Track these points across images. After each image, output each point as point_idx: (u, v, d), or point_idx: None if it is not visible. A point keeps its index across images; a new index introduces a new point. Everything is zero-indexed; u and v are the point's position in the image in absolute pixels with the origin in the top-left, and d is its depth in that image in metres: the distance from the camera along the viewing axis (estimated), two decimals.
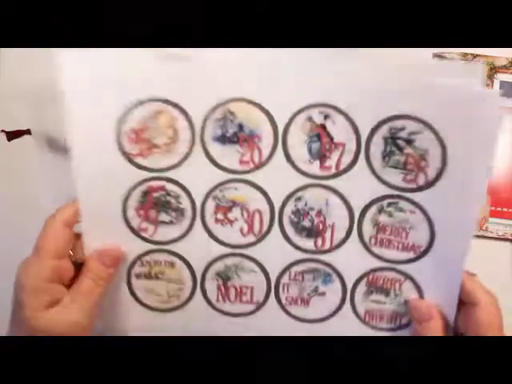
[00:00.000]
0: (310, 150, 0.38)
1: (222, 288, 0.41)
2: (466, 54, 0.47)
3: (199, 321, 0.42)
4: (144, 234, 0.40)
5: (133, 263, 0.41)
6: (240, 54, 0.37)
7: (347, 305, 0.41)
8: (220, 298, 0.42)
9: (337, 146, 0.38)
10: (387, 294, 0.41)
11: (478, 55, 0.47)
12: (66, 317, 0.37)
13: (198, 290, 0.42)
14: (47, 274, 0.36)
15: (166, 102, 0.37)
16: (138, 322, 0.42)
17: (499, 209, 0.47)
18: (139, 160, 0.38)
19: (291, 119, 0.38)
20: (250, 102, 0.37)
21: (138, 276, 0.41)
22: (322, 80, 0.37)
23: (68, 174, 0.47)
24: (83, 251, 0.39)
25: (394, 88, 0.37)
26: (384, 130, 0.37)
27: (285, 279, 0.41)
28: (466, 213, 0.37)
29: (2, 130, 0.48)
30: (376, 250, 0.40)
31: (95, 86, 0.37)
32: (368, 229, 0.39)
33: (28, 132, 0.47)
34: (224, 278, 0.41)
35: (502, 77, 0.47)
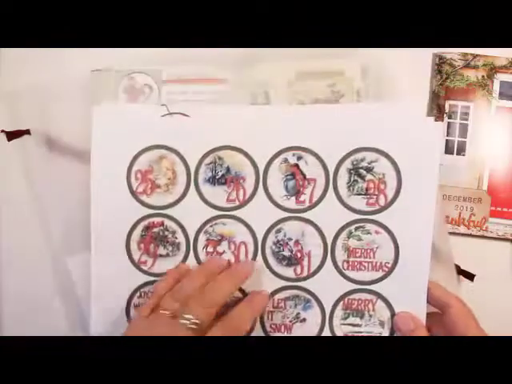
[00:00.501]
0: (286, 187, 0.44)
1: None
2: (466, 54, 0.47)
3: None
4: (143, 267, 0.45)
5: (132, 294, 0.45)
6: (227, 112, 0.44)
7: (327, 330, 0.44)
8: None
9: (309, 182, 0.44)
10: (362, 316, 0.44)
11: (477, 55, 0.47)
12: None
13: None
14: None
15: (168, 148, 0.44)
16: None
17: (499, 209, 0.47)
18: (143, 198, 0.44)
19: (269, 162, 0.44)
20: (235, 148, 0.44)
21: (137, 306, 0.45)
22: (294, 127, 0.43)
23: (69, 174, 0.47)
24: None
25: (353, 126, 0.43)
26: (347, 163, 0.43)
27: (269, 307, 0.44)
28: (423, 224, 0.42)
29: (2, 130, 0.48)
30: (349, 273, 0.44)
31: (115, 134, 0.44)
32: (340, 254, 0.44)
33: (28, 132, 0.47)
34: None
35: (501, 77, 0.47)
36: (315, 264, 0.44)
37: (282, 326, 0.45)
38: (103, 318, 0.45)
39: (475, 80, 0.47)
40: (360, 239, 0.43)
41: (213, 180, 0.44)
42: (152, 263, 0.45)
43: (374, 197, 0.43)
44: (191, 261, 0.45)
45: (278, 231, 0.44)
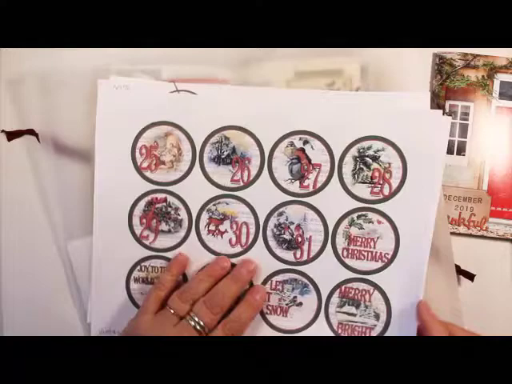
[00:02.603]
0: (291, 170, 0.44)
1: None
2: (466, 54, 0.47)
3: None
4: (145, 241, 0.45)
5: (132, 268, 0.45)
6: (236, 92, 0.44)
7: (322, 316, 0.45)
8: None
9: (314, 167, 0.43)
10: (358, 305, 0.44)
11: (478, 55, 0.47)
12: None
13: None
14: None
15: (174, 125, 0.44)
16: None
17: (499, 209, 0.47)
18: (147, 173, 0.45)
19: (275, 144, 0.44)
20: (242, 129, 0.44)
21: (136, 280, 0.46)
22: (302, 111, 0.43)
23: (72, 174, 0.47)
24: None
25: (362, 114, 0.43)
26: (354, 151, 0.43)
27: (267, 289, 0.45)
28: (425, 217, 0.42)
29: (2, 130, 0.48)
30: (348, 261, 0.44)
31: (121, 109, 0.44)
32: (341, 241, 0.44)
33: (28, 132, 0.47)
34: None
35: (501, 77, 0.47)
36: (315, 249, 0.44)
37: (278, 309, 0.45)
38: (103, 291, 0.45)
39: (475, 80, 0.47)
40: (361, 228, 0.43)
41: (218, 159, 0.44)
42: (154, 238, 0.45)
43: (379, 186, 0.43)
44: (193, 238, 0.45)
45: (280, 214, 0.44)
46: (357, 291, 0.44)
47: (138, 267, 0.45)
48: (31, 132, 0.47)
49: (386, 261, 0.43)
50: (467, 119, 0.47)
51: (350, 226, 0.43)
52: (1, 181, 0.48)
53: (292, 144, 0.43)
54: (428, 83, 0.48)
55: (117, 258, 0.45)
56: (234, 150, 0.44)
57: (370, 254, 0.44)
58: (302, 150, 0.43)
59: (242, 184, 0.44)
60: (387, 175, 0.43)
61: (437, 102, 0.47)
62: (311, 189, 0.43)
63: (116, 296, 0.46)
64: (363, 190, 0.43)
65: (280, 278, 0.44)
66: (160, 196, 0.45)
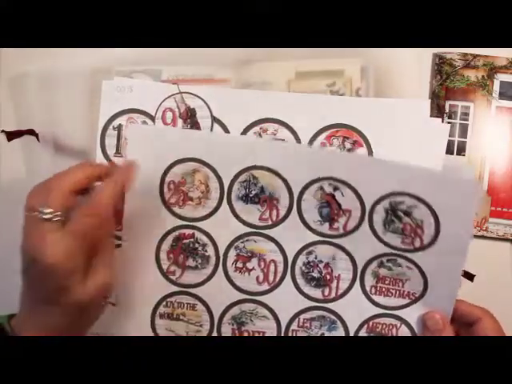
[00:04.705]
0: (320, 213, 0.43)
1: (236, 332, 0.45)
2: (465, 54, 0.47)
3: None
4: (171, 277, 0.45)
5: (158, 303, 0.45)
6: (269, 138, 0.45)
7: None
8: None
9: (344, 212, 0.43)
10: None
11: (477, 55, 0.47)
12: (99, 282, 0.37)
13: (215, 333, 0.45)
14: (83, 253, 0.37)
15: (203, 163, 0.44)
16: None
17: (499, 209, 0.47)
18: (175, 209, 0.44)
19: (305, 187, 0.43)
20: (271, 170, 0.43)
21: (162, 316, 0.45)
22: (333, 157, 0.43)
23: None
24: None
25: (394, 170, 0.42)
26: (385, 203, 0.42)
27: (294, 326, 0.45)
28: (454, 265, 0.42)
29: (2, 130, 0.48)
30: (375, 298, 0.44)
31: (149, 145, 0.44)
32: (369, 279, 0.44)
33: (28, 132, 0.47)
34: (238, 322, 0.45)
35: (501, 77, 0.47)
36: (343, 287, 0.44)
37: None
38: (128, 327, 0.45)
39: (475, 80, 0.47)
40: (390, 269, 0.43)
41: (246, 198, 0.44)
42: (180, 274, 0.45)
43: (410, 238, 0.43)
44: (220, 275, 0.45)
45: (309, 253, 0.44)
46: (384, 326, 0.44)
47: (164, 303, 0.45)
48: (31, 132, 0.47)
49: (414, 298, 0.44)
50: (467, 119, 0.47)
51: (379, 267, 0.43)
52: (1, 181, 0.48)
53: (322, 188, 0.43)
54: (428, 83, 0.48)
55: (143, 293, 0.45)
56: (262, 189, 0.44)
57: (398, 292, 0.44)
58: (332, 195, 0.43)
59: (270, 223, 0.44)
60: (419, 231, 0.42)
61: (437, 103, 0.47)
62: (341, 231, 0.43)
63: (141, 332, 0.45)
64: (394, 239, 0.43)
65: (308, 315, 0.45)
66: (188, 232, 0.45)
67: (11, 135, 0.48)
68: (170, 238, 0.45)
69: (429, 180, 0.42)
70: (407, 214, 0.42)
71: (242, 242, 0.44)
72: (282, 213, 0.44)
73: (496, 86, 0.47)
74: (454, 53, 0.47)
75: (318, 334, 0.45)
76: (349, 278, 0.44)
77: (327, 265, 0.44)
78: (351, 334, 0.44)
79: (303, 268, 0.44)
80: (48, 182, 0.38)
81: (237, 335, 0.45)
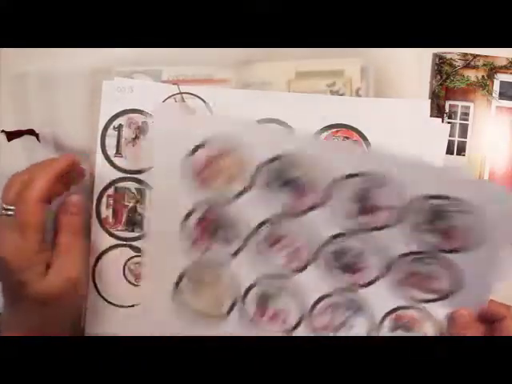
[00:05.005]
0: (357, 206, 0.42)
1: (259, 313, 0.44)
2: (465, 54, 0.47)
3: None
4: (196, 251, 0.43)
5: (180, 277, 0.44)
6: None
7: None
8: (258, 315, 0.44)
9: (382, 207, 0.42)
10: (409, 331, 0.44)
11: (477, 55, 0.47)
12: (62, 277, 0.39)
13: (236, 311, 0.44)
14: (36, 247, 0.38)
15: (237, 142, 0.42)
16: (179, 325, 0.44)
17: None
18: (204, 187, 0.42)
19: (343, 178, 0.41)
20: (311, 157, 0.41)
21: (189, 280, 0.44)
22: (376, 155, 0.43)
23: None
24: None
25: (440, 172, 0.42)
26: (427, 203, 0.41)
27: (318, 309, 0.44)
28: (491, 273, 0.42)
29: (2, 130, 0.48)
30: (405, 289, 0.43)
31: (180, 123, 0.42)
32: (401, 270, 0.43)
33: (28, 132, 0.47)
34: (263, 301, 0.44)
35: (501, 77, 0.47)
36: (373, 275, 0.43)
37: (330, 327, 0.44)
38: (150, 301, 0.44)
39: (475, 80, 0.47)
40: (425, 266, 0.43)
41: (280, 182, 0.42)
42: (207, 247, 0.43)
43: (451, 240, 0.42)
44: (246, 253, 0.44)
45: (342, 240, 0.43)
46: (409, 318, 0.44)
47: (188, 276, 0.44)
48: (31, 132, 0.47)
49: (444, 295, 0.43)
50: (467, 119, 0.47)
51: (413, 262, 0.43)
52: (1, 181, 0.48)
53: (361, 182, 0.42)
54: (428, 83, 0.48)
55: (166, 265, 0.44)
56: (298, 176, 0.42)
57: (428, 286, 0.43)
58: (368, 190, 0.42)
59: (305, 208, 0.42)
60: (462, 233, 0.42)
61: (437, 103, 0.47)
62: (378, 224, 0.42)
63: (160, 304, 0.44)
64: (434, 238, 0.42)
65: (333, 299, 0.44)
66: (215, 210, 0.43)
67: (11, 135, 0.48)
68: (195, 215, 0.43)
69: (478, 186, 0.42)
70: (450, 216, 0.41)
71: (271, 224, 0.43)
72: (317, 200, 0.42)
73: (496, 86, 0.47)
74: (454, 53, 0.47)
75: (342, 320, 0.44)
76: (380, 266, 0.43)
77: (360, 254, 0.43)
78: (376, 324, 0.44)
79: (333, 254, 0.43)
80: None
81: (259, 316, 0.44)
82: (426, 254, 0.42)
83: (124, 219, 0.47)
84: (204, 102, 0.46)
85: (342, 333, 0.44)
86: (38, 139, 0.47)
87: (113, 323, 0.47)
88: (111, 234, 0.47)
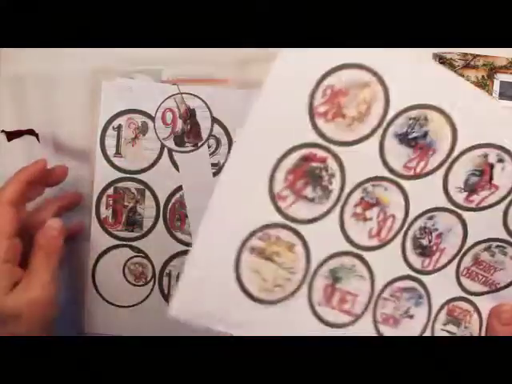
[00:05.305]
0: (467, 180, 0.39)
1: (329, 289, 0.38)
2: (465, 54, 0.47)
3: (294, 323, 0.38)
4: (280, 203, 0.35)
5: (252, 233, 0.35)
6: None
7: (428, 332, 0.41)
8: (323, 300, 0.38)
9: (491, 188, 0.39)
10: (459, 325, 0.42)
11: (478, 55, 0.47)
12: (27, 295, 0.38)
13: (305, 286, 0.37)
14: (2, 256, 0.38)
15: (377, 77, 0.36)
16: (237, 313, 0.36)
17: None
18: (320, 121, 0.35)
19: (469, 149, 0.38)
20: (447, 116, 0.37)
21: (252, 250, 0.35)
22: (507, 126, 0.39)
23: (71, 174, 0.47)
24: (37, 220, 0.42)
25: None
26: None
27: (386, 294, 0.40)
28: None
29: (2, 131, 0.48)
30: (463, 279, 0.41)
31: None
32: (467, 260, 0.41)
33: (28, 132, 0.47)
34: (335, 277, 0.38)
35: (501, 77, 0.47)
36: (442, 262, 0.40)
37: (392, 319, 0.40)
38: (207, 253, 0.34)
39: (475, 80, 0.47)
40: (493, 256, 0.41)
41: (403, 137, 0.37)
42: (291, 202, 0.36)
43: None
44: (334, 216, 0.37)
45: (430, 218, 0.39)
46: (461, 310, 0.42)
47: (260, 234, 0.35)
48: (31, 132, 0.47)
49: (494, 288, 0.42)
50: None
51: (484, 250, 0.41)
52: (1, 181, 0.48)
53: (486, 156, 0.39)
54: None
55: (240, 215, 0.35)
56: (425, 134, 0.37)
57: (484, 278, 0.41)
58: (491, 166, 0.39)
59: (412, 173, 0.38)
60: None
61: None
62: (474, 205, 0.39)
63: (220, 267, 0.35)
64: None
65: (402, 284, 0.40)
66: (321, 154, 0.36)
67: (11, 135, 0.48)
68: (295, 155, 0.35)
69: None
70: None
71: (372, 185, 0.37)
72: (430, 167, 0.38)
73: (496, 86, 0.47)
74: (454, 53, 0.47)
75: (405, 308, 0.40)
76: (452, 254, 0.40)
77: (439, 235, 0.40)
78: (432, 315, 0.41)
79: (417, 232, 0.39)
80: None
81: (328, 293, 0.38)
82: (504, 243, 0.41)
83: (124, 219, 0.47)
84: (204, 102, 0.46)
85: (404, 324, 0.40)
86: (38, 139, 0.47)
87: (112, 323, 0.47)
88: (111, 234, 0.47)
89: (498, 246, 0.41)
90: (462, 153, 0.38)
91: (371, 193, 0.37)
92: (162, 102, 0.46)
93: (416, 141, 0.37)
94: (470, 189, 0.39)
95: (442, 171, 0.38)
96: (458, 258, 0.41)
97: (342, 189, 0.37)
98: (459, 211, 0.39)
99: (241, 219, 0.35)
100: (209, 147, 0.47)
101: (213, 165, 0.47)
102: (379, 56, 0.36)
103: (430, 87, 0.37)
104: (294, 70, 0.35)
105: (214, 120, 0.46)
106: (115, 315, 0.47)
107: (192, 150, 0.47)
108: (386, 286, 0.39)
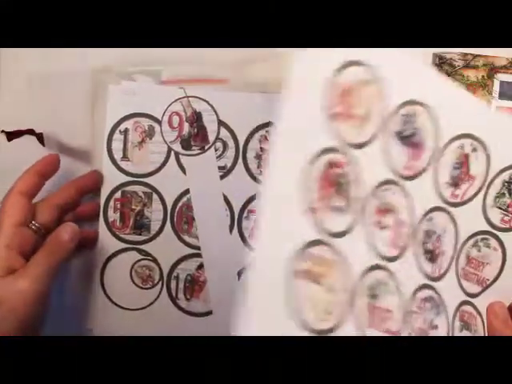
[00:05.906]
0: (452, 174, 0.39)
1: (372, 308, 0.35)
2: (465, 54, 0.47)
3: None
4: (314, 217, 0.32)
5: (296, 255, 0.31)
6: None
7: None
8: (367, 323, 0.35)
9: (469, 179, 0.39)
10: (470, 329, 0.40)
11: (478, 55, 0.47)
12: (15, 284, 0.38)
13: (349, 309, 0.34)
14: (6, 240, 0.39)
15: (379, 77, 0.35)
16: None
17: None
18: (335, 124, 0.33)
19: (450, 142, 0.38)
20: (428, 108, 0.37)
21: (297, 274, 0.31)
22: (486, 117, 0.40)
23: (71, 174, 0.47)
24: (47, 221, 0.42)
25: None
26: (506, 175, 0.40)
27: (414, 307, 0.37)
28: None
29: (2, 131, 0.48)
30: (463, 282, 0.40)
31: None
32: (462, 260, 0.40)
33: (28, 132, 0.47)
34: (373, 295, 0.35)
35: (501, 77, 0.47)
36: (445, 266, 0.39)
37: (423, 333, 0.38)
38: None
39: (475, 80, 0.47)
40: (479, 250, 0.40)
41: (400, 136, 0.36)
42: (323, 214, 0.33)
43: (510, 216, 0.40)
44: (361, 227, 0.34)
45: (430, 219, 0.38)
46: (468, 314, 0.40)
47: (302, 254, 0.31)
48: (31, 132, 0.47)
49: (485, 286, 0.41)
50: None
51: (473, 246, 0.40)
52: (1, 181, 0.48)
53: (462, 147, 0.38)
54: None
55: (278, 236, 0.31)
56: (416, 132, 0.37)
57: (476, 277, 0.40)
58: (467, 156, 0.38)
59: (410, 174, 0.37)
60: None
61: None
62: (459, 200, 0.39)
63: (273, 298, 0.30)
64: (496, 216, 0.40)
65: (423, 294, 0.37)
66: (341, 159, 0.33)
67: (11, 135, 0.48)
68: (321, 161, 0.33)
69: None
70: None
71: (383, 191, 0.35)
72: (423, 164, 0.37)
73: (496, 86, 0.47)
74: (453, 53, 0.47)
75: (430, 318, 0.38)
76: (450, 255, 0.39)
77: (439, 238, 0.38)
78: (450, 323, 0.39)
79: (423, 236, 0.38)
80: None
81: (371, 313, 0.34)
82: (486, 235, 0.40)
83: (131, 223, 0.47)
84: (210, 105, 0.46)
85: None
86: (37, 139, 0.47)
87: (120, 325, 0.47)
88: (119, 238, 0.47)
89: (482, 239, 0.40)
90: (446, 145, 0.38)
91: (382, 198, 0.36)
92: (169, 105, 0.46)
93: (410, 139, 0.37)
94: (453, 183, 0.39)
95: (432, 167, 0.38)
96: (455, 259, 0.40)
97: (363, 192, 0.34)
98: (449, 208, 0.39)
99: (284, 237, 0.31)
100: (215, 150, 0.47)
101: (220, 168, 0.47)
102: (379, 56, 0.36)
103: (425, 87, 0.37)
104: (308, 71, 0.35)
105: (221, 123, 0.46)
106: (123, 318, 0.47)
107: (199, 154, 0.47)
108: (412, 300, 0.37)
